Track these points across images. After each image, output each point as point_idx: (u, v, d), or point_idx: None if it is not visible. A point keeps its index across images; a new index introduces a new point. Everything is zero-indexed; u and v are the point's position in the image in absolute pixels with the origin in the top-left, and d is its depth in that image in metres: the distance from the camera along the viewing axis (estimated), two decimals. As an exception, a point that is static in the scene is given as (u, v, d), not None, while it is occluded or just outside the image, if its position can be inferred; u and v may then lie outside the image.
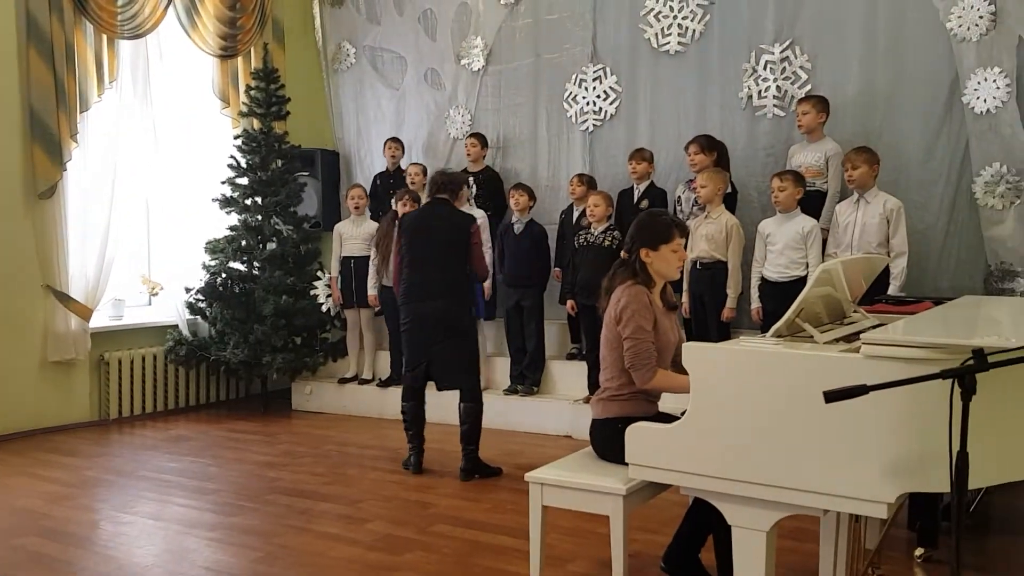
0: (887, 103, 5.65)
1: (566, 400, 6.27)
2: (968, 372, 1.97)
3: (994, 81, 5.21)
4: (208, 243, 7.19)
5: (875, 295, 4.26)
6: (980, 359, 1.99)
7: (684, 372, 2.66)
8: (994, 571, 3.61)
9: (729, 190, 5.68)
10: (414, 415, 5.26)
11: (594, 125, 6.84)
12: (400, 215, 5.77)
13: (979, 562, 3.67)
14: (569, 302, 6.27)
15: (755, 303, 5.42)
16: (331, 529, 4.17)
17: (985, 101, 5.25)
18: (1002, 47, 5.19)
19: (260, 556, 3.81)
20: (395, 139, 7.55)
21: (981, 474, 2.19)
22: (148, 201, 7.29)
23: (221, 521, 4.32)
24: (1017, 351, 2.08)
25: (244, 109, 7.42)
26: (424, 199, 5.39)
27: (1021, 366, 2.06)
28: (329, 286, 7.16)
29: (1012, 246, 5.23)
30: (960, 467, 1.98)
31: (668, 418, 2.88)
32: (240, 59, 7.66)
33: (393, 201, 6.60)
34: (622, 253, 3.33)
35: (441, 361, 5.07)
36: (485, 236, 6.53)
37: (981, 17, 5.22)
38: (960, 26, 5.29)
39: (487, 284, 6.56)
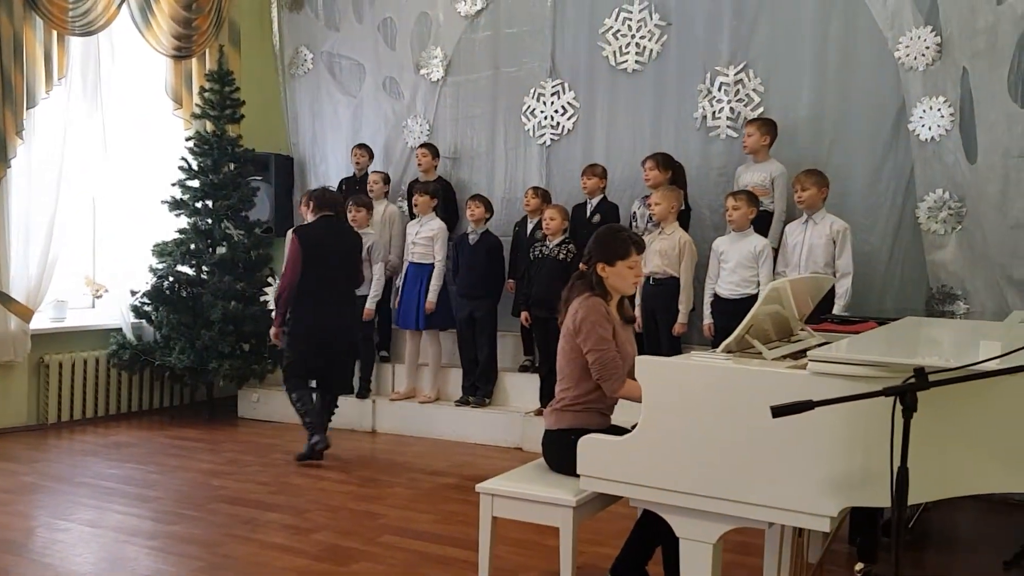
0: (836, 127, 5.78)
1: (518, 412, 6.28)
2: (910, 390, 2.03)
3: (939, 110, 5.36)
4: (156, 246, 7.06)
5: (821, 314, 4.36)
6: (921, 378, 2.04)
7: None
8: (931, 586, 3.71)
9: (683, 208, 5.76)
10: (310, 401, 5.63)
11: (551, 139, 6.89)
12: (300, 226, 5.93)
13: (917, 577, 3.76)
14: (523, 314, 6.28)
15: (707, 319, 5.49)
16: (276, 539, 4.11)
17: (930, 129, 5.40)
18: (947, 77, 5.35)
19: (202, 566, 3.74)
20: (362, 145, 7.49)
21: (921, 490, 2.25)
22: (95, 201, 7.15)
23: (162, 529, 4.24)
24: (957, 371, 2.14)
25: (197, 111, 7.31)
26: (309, 215, 5.75)
27: (960, 386, 2.13)
28: (280, 292, 7.08)
29: (953, 270, 5.37)
30: (900, 482, 2.03)
31: (621, 431, 2.91)
32: (194, 60, 7.56)
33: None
34: (581, 265, 3.36)
35: (339, 368, 5.73)
36: (439, 246, 6.55)
37: (928, 48, 5.37)
38: (908, 55, 5.44)
39: (430, 299, 6.54)
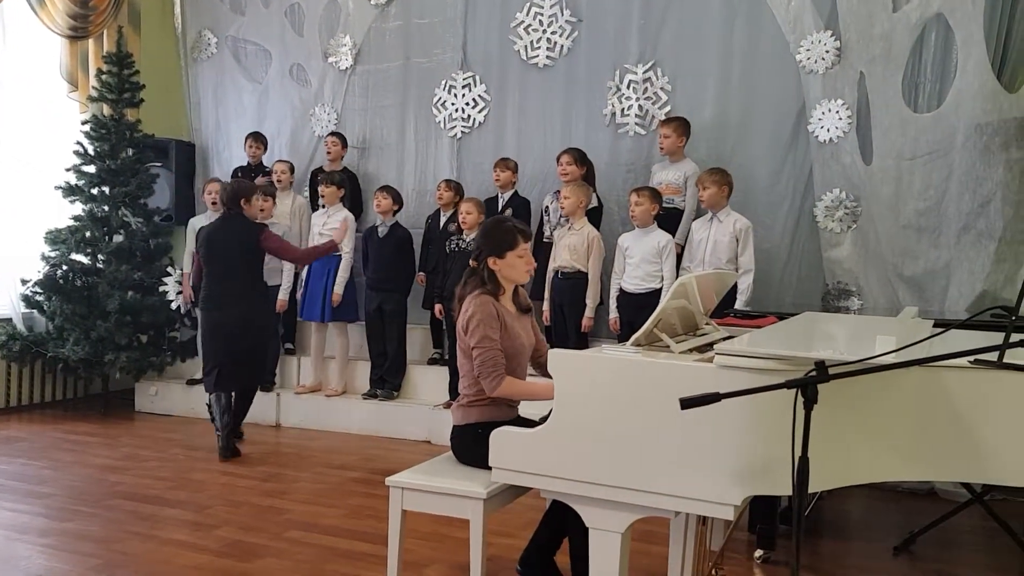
0: (739, 128, 5.93)
1: (426, 405, 6.25)
2: (811, 383, 2.10)
3: (837, 112, 5.56)
4: (49, 233, 6.76)
5: (724, 309, 4.48)
6: (822, 371, 2.12)
7: (550, 376, 2.71)
8: (827, 572, 3.84)
9: (595, 204, 5.82)
10: (221, 408, 5.56)
11: (462, 132, 6.88)
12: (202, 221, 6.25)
13: (813, 563, 3.90)
14: (437, 307, 6.24)
15: (613, 313, 5.58)
16: (177, 535, 4.00)
17: (828, 131, 5.59)
18: (845, 81, 5.55)
19: (99, 563, 3.61)
20: (256, 134, 7.32)
21: (820, 479, 2.33)
22: (-18, 185, 6.81)
23: (56, 527, 4.08)
24: (854, 364, 2.23)
25: (94, 94, 7.03)
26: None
27: (857, 379, 2.22)
28: (180, 282, 6.88)
29: (848, 267, 5.59)
30: (801, 472, 2.10)
31: (529, 423, 2.93)
32: (92, 41, 7.25)
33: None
34: (471, 261, 3.34)
35: (231, 364, 5.48)
36: (349, 236, 6.45)
37: (827, 52, 5.57)
38: (808, 59, 5.63)
39: (336, 291, 6.45)
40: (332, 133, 7.04)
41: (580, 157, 5.88)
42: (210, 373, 5.53)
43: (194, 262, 5.96)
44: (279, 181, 6.90)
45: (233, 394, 5.60)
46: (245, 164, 7.38)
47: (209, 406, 5.73)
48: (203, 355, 5.74)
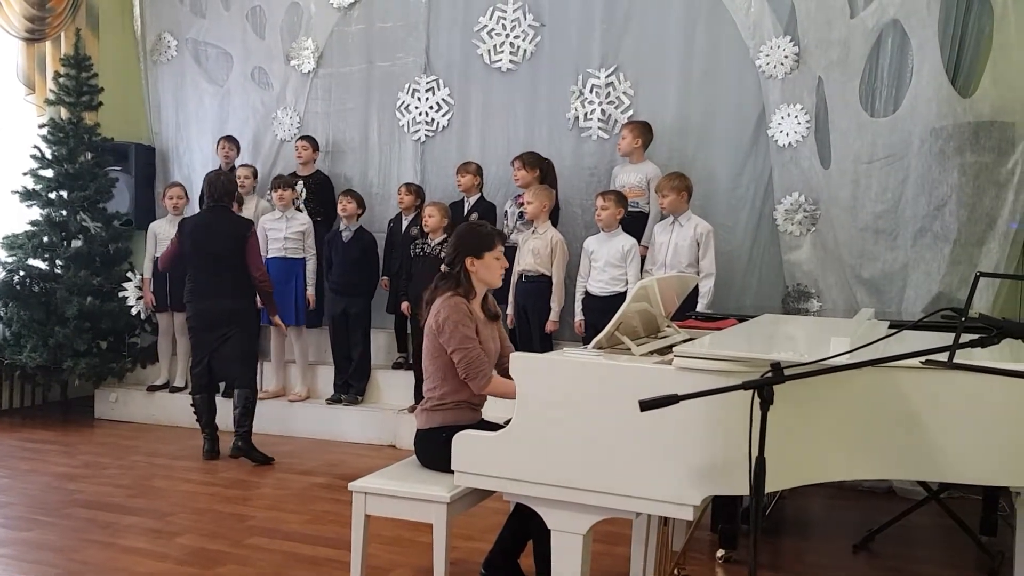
0: (700, 131, 5.99)
1: (391, 409, 6.23)
2: (767, 384, 2.13)
3: (796, 117, 5.64)
4: (5, 238, 6.66)
5: (685, 311, 4.52)
6: (777, 372, 2.15)
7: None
8: (787, 570, 3.90)
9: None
10: (205, 407, 5.61)
11: (426, 135, 6.87)
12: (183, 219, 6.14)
13: (774, 562, 3.95)
14: (404, 304, 6.20)
15: (579, 316, 5.60)
16: (137, 543, 3.96)
17: (787, 135, 5.67)
18: (803, 86, 5.63)
19: (58, 573, 3.57)
20: (230, 138, 7.23)
21: (778, 478, 2.36)
22: (-64, 190, 6.69)
23: (13, 536, 4.02)
24: (810, 365, 2.26)
25: (51, 97, 6.93)
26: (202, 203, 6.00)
27: (814, 379, 2.25)
28: (140, 288, 6.80)
29: (807, 269, 5.67)
30: (758, 472, 2.13)
31: (492, 426, 2.94)
32: (49, 43, 7.16)
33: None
34: (442, 267, 3.35)
35: (220, 355, 5.49)
36: (309, 242, 6.44)
37: (786, 57, 5.64)
38: (768, 64, 5.70)
39: (309, 293, 6.46)
40: (302, 137, 6.98)
41: (531, 161, 5.90)
42: (199, 369, 5.54)
43: (171, 250, 5.66)
44: (243, 186, 6.83)
45: (235, 401, 5.52)
46: (215, 168, 7.27)
47: (194, 406, 5.64)
48: (192, 350, 5.66)
